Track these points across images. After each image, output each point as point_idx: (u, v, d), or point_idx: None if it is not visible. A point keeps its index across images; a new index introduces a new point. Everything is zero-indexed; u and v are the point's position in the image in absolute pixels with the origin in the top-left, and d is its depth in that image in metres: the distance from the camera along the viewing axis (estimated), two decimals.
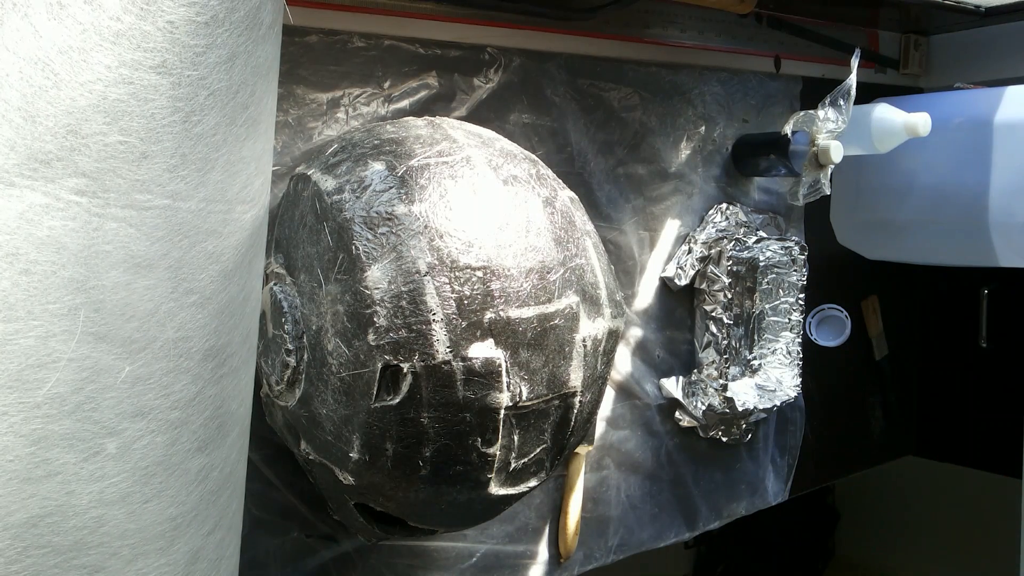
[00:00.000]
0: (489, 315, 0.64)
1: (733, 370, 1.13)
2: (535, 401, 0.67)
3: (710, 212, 1.16)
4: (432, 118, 0.80)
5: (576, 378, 0.70)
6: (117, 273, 0.43)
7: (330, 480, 0.71)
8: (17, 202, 0.39)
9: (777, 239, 1.15)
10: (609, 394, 1.09)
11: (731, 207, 1.17)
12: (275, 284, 0.72)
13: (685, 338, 1.16)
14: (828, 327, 1.30)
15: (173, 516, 0.48)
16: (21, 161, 0.39)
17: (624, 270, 1.09)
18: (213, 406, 0.50)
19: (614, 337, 0.76)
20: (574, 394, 0.70)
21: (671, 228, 1.13)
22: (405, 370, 0.63)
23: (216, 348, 0.49)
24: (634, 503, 1.12)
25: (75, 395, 0.42)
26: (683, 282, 1.12)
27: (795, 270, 1.16)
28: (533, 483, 0.73)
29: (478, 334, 0.64)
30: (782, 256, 1.15)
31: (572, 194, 0.78)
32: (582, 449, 1.04)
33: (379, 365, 0.63)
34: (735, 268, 1.12)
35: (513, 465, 0.69)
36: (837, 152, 1.03)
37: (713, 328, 1.12)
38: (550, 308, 0.68)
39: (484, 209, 0.67)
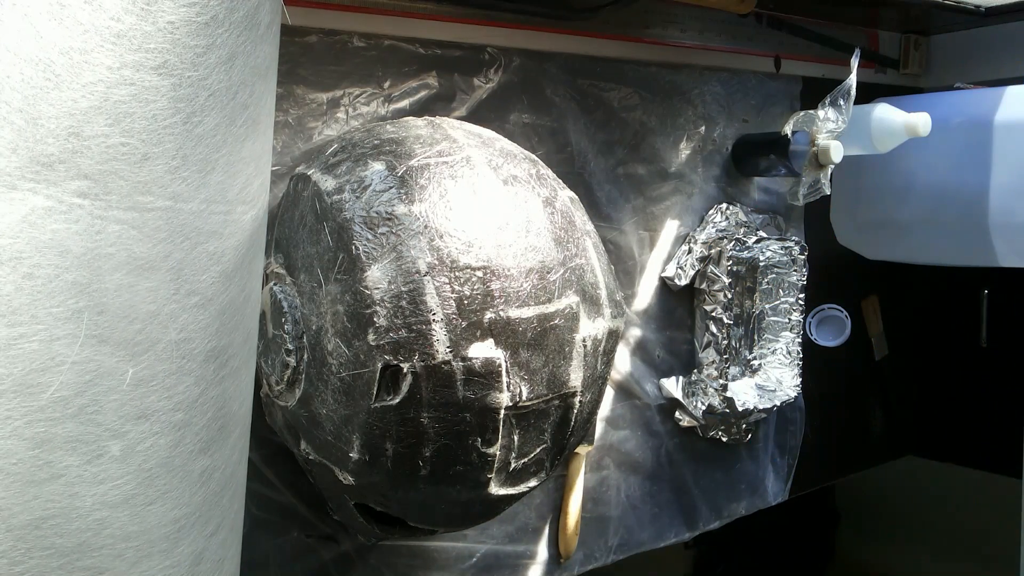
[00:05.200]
0: (489, 315, 0.64)
1: (733, 370, 1.13)
2: (535, 401, 0.68)
3: (710, 212, 1.16)
4: (432, 118, 0.80)
5: (576, 378, 0.70)
6: (120, 275, 0.43)
7: (330, 480, 0.71)
8: (20, 205, 0.39)
9: (777, 239, 1.15)
10: (609, 394, 1.09)
11: (731, 207, 1.17)
12: (275, 284, 0.72)
13: (685, 338, 1.16)
14: (828, 327, 1.30)
15: (177, 518, 0.48)
16: (23, 164, 0.39)
17: (624, 270, 1.09)
18: (215, 407, 0.50)
19: (614, 337, 0.76)
20: (574, 394, 0.70)
21: (671, 228, 1.13)
22: (405, 370, 0.63)
23: (218, 349, 0.49)
24: (634, 503, 1.12)
25: (78, 398, 0.42)
26: (683, 282, 1.12)
27: (795, 270, 1.17)
28: (533, 483, 0.73)
29: (478, 334, 0.64)
30: (782, 256, 1.15)
31: (572, 194, 0.78)
32: (582, 449, 1.04)
33: (379, 365, 0.63)
34: (735, 268, 1.12)
35: (513, 465, 0.70)
36: (837, 152, 1.03)
37: (713, 328, 1.12)
38: (550, 308, 0.68)
39: (484, 209, 0.67)
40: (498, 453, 0.67)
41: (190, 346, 0.47)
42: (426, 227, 0.64)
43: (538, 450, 0.71)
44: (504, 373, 0.65)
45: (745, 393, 1.13)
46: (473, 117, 0.93)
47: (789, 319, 1.17)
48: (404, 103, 0.89)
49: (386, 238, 0.64)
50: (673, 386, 1.13)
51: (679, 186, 1.13)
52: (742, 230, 1.16)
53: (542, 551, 1.04)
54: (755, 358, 1.16)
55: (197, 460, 0.49)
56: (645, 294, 1.11)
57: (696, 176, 1.15)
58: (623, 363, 1.10)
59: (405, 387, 0.63)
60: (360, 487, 0.70)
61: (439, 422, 0.65)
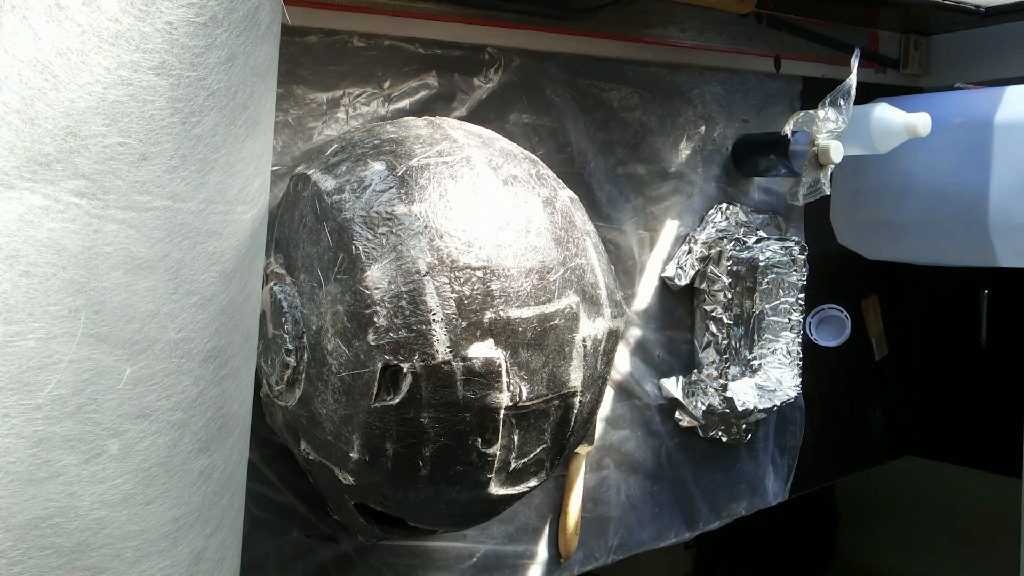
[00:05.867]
0: (489, 315, 0.64)
1: (733, 370, 1.13)
2: (535, 401, 0.67)
3: (710, 212, 1.16)
4: (432, 118, 0.80)
5: (576, 378, 0.70)
6: (118, 274, 0.43)
7: (330, 480, 0.71)
8: (17, 204, 0.39)
9: (777, 239, 1.15)
10: (609, 394, 1.09)
11: (731, 207, 1.17)
12: (275, 284, 0.72)
13: (685, 338, 1.16)
14: (828, 327, 1.30)
15: (176, 517, 0.48)
16: (21, 163, 0.39)
17: (624, 270, 1.09)
18: (215, 407, 0.50)
19: (614, 337, 0.76)
20: (574, 394, 0.70)
21: (671, 228, 1.13)
22: (405, 370, 0.63)
23: (217, 349, 0.49)
24: (634, 503, 1.12)
25: (76, 397, 0.42)
26: (683, 282, 1.12)
27: (795, 270, 1.16)
28: (533, 483, 0.73)
29: (478, 334, 0.64)
30: (782, 256, 1.15)
31: (572, 194, 0.78)
32: (582, 449, 1.04)
33: (379, 365, 0.63)
34: (735, 268, 1.12)
35: (513, 465, 0.70)
36: (837, 152, 1.03)
37: (713, 328, 1.12)
38: (550, 308, 0.68)
39: (484, 209, 0.67)
40: (498, 453, 0.67)
41: (189, 346, 0.47)
42: (426, 227, 0.64)
43: (538, 450, 0.71)
44: (504, 373, 0.65)
45: (745, 393, 1.13)
46: (473, 117, 0.93)
47: (789, 319, 1.17)
48: (404, 103, 0.89)
49: (386, 238, 0.64)
50: (673, 386, 1.13)
51: (679, 186, 1.13)
52: (742, 230, 1.16)
53: (542, 551, 1.04)
54: (755, 358, 1.16)
55: (196, 460, 0.49)
56: (645, 294, 1.11)
57: (696, 176, 1.15)
58: (623, 363, 1.10)
59: (405, 387, 0.63)
60: (360, 487, 0.70)
61: (439, 422, 0.65)
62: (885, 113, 1.08)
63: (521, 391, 0.66)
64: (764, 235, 1.16)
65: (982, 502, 1.93)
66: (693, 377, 1.14)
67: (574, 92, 1.02)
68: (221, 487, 0.52)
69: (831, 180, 1.06)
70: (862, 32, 1.34)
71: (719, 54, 1.15)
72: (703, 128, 1.15)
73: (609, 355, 0.76)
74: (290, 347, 0.69)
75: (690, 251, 1.12)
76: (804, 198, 1.07)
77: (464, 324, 0.64)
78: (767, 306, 1.16)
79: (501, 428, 0.66)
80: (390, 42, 0.88)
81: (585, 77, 1.03)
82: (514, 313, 0.65)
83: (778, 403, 1.15)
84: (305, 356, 0.69)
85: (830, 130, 1.04)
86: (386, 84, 0.88)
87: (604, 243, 1.01)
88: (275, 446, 0.82)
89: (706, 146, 1.16)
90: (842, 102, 1.03)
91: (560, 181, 0.78)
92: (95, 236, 0.42)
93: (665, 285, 1.13)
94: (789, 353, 1.17)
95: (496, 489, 0.70)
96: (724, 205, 1.17)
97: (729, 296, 1.11)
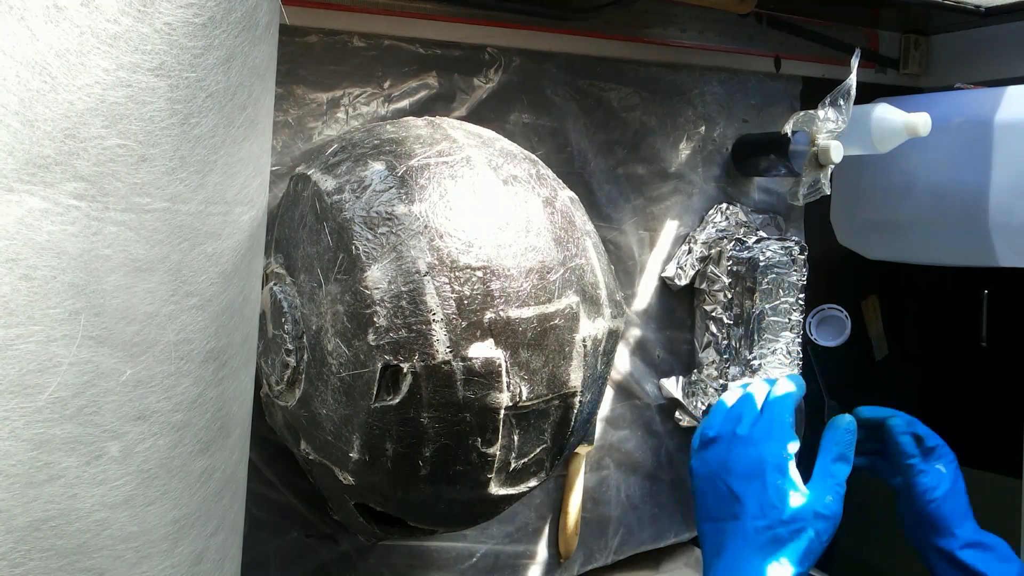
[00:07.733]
0: (489, 315, 0.64)
1: (733, 370, 1.13)
2: (535, 401, 0.68)
3: (710, 212, 1.16)
4: (432, 118, 0.80)
5: (576, 378, 0.70)
6: (117, 277, 0.43)
7: (330, 480, 0.72)
8: (16, 207, 0.39)
9: (777, 239, 1.15)
10: (609, 394, 1.09)
11: (731, 207, 1.17)
12: (275, 284, 0.72)
13: (685, 338, 1.16)
14: (828, 327, 1.30)
15: (176, 518, 0.48)
16: (20, 166, 0.39)
17: (624, 270, 1.09)
18: (215, 408, 0.50)
19: (614, 337, 0.76)
20: (574, 394, 0.70)
21: (671, 228, 1.13)
22: (405, 370, 0.63)
23: (217, 350, 0.49)
24: (634, 503, 1.12)
25: (76, 399, 0.42)
26: (683, 282, 1.12)
27: (795, 270, 1.16)
28: (533, 483, 0.73)
29: (478, 334, 0.64)
30: (782, 256, 1.15)
31: (572, 194, 0.78)
32: (582, 449, 1.04)
33: (379, 365, 0.63)
34: (735, 268, 1.12)
35: (513, 465, 0.70)
36: (837, 152, 1.03)
37: (713, 328, 1.12)
38: (550, 308, 0.68)
39: (484, 209, 0.67)
40: (498, 453, 0.67)
41: (189, 347, 0.47)
42: (426, 227, 0.64)
43: (538, 450, 0.71)
44: (504, 373, 0.65)
45: None
46: (473, 117, 0.93)
47: (789, 319, 1.17)
48: (404, 103, 0.89)
49: (386, 238, 0.64)
50: (673, 386, 1.13)
51: (679, 186, 1.13)
52: (742, 230, 1.16)
53: (542, 551, 1.04)
54: (755, 358, 1.16)
55: (197, 460, 0.49)
56: (645, 294, 1.11)
57: (696, 176, 1.15)
58: (623, 363, 1.10)
59: (405, 387, 0.63)
60: (360, 487, 0.70)
61: (439, 422, 0.65)
62: (885, 113, 1.08)
63: (521, 391, 0.66)
64: (764, 235, 1.16)
65: (982, 502, 1.93)
66: (693, 377, 1.14)
67: (574, 92, 1.02)
68: (222, 487, 0.52)
69: (831, 180, 1.06)
70: (862, 32, 1.33)
71: (719, 54, 1.15)
72: (703, 128, 1.15)
73: (609, 355, 0.76)
74: (290, 347, 0.69)
75: (690, 251, 1.12)
76: (804, 198, 1.06)
77: (464, 324, 0.64)
78: (767, 306, 1.16)
79: (501, 428, 0.66)
80: (390, 42, 0.88)
81: (585, 77, 1.03)
82: (514, 313, 0.65)
83: None
84: (305, 356, 0.69)
85: (830, 130, 1.04)
86: (386, 84, 0.88)
87: (604, 243, 1.01)
88: (275, 446, 0.82)
89: (706, 146, 1.16)
90: (842, 102, 1.02)
91: (560, 181, 0.78)
92: (95, 238, 0.42)
93: (665, 285, 1.13)
94: (789, 353, 1.17)
95: (496, 489, 0.70)
96: (724, 205, 1.17)
97: (729, 296, 1.11)
